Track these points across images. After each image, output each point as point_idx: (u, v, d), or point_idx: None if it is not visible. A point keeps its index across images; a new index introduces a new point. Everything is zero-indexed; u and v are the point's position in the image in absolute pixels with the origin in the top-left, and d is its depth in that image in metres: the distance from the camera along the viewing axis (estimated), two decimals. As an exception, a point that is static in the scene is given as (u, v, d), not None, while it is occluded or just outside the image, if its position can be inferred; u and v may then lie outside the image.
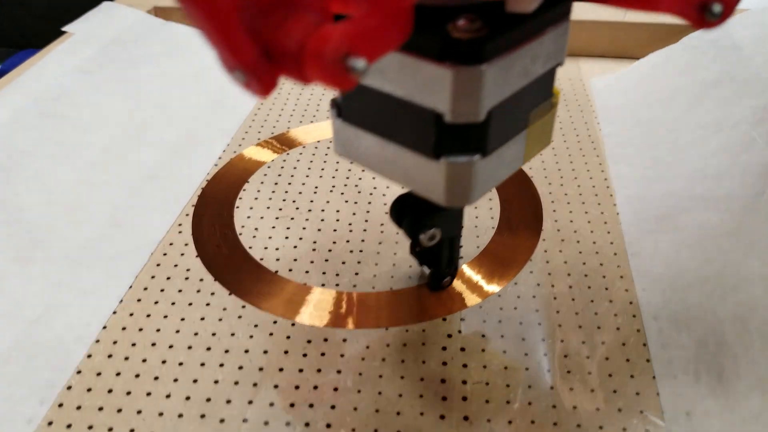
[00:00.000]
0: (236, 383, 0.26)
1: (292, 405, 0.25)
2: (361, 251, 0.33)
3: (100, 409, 0.25)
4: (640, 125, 0.42)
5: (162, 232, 0.34)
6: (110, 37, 0.49)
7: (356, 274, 0.31)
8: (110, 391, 0.26)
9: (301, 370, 0.26)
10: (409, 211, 0.25)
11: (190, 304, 0.30)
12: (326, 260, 0.32)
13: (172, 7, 0.57)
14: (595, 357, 0.27)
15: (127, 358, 0.27)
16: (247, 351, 0.27)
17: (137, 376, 0.26)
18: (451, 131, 0.19)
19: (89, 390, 0.26)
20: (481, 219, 0.35)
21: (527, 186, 0.37)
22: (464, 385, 0.26)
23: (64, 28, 0.50)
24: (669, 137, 0.40)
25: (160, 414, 0.25)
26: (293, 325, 0.29)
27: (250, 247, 0.33)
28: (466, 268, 0.31)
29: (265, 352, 0.27)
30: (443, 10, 0.18)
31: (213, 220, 0.35)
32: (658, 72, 0.48)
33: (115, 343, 0.28)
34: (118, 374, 0.26)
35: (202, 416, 0.25)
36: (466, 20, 0.17)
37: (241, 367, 0.27)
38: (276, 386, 0.26)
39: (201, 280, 0.31)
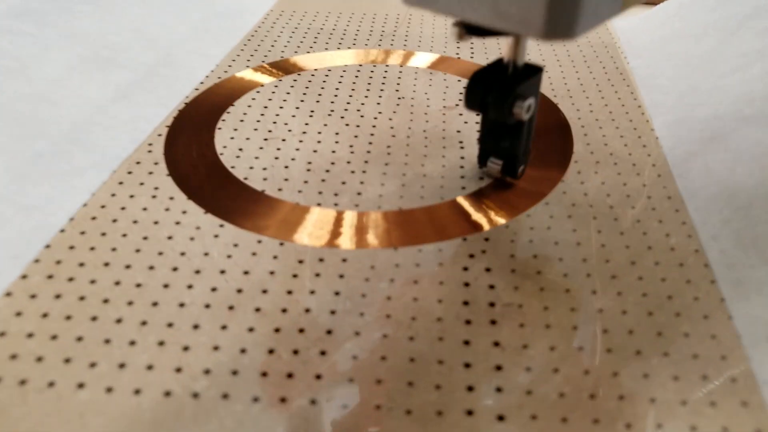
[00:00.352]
0: (207, 306, 0.21)
1: (277, 330, 0.20)
2: (364, 172, 0.28)
3: (30, 335, 0.20)
4: (670, 58, 0.38)
5: (128, 151, 0.29)
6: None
7: (359, 194, 0.26)
8: (45, 315, 0.21)
9: (290, 292, 0.21)
10: (496, 85, 0.22)
11: (156, 222, 0.25)
12: (323, 180, 0.27)
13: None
14: (648, 278, 0.22)
15: (71, 279, 0.22)
16: (223, 272, 0.22)
17: (82, 298, 0.21)
18: None
19: (18, 314, 0.21)
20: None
21: (553, 110, 0.33)
22: (492, 307, 0.21)
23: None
24: (705, 67, 0.36)
25: (107, 341, 0.20)
26: (282, 244, 0.24)
27: (232, 167, 0.28)
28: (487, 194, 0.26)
29: (246, 272, 0.22)
30: None
31: (189, 140, 0.30)
32: (685, 11, 0.43)
33: (58, 263, 0.23)
34: (57, 297, 0.21)
35: (161, 343, 0.20)
36: None
37: (214, 289, 0.22)
38: (258, 310, 0.21)
39: (171, 198, 0.26)
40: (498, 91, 0.22)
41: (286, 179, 0.27)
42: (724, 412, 0.18)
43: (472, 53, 0.39)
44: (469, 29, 0.20)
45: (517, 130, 0.24)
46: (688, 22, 0.42)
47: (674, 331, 0.20)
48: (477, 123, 0.32)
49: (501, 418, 0.17)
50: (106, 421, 0.17)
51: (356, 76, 0.36)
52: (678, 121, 0.31)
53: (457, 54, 0.39)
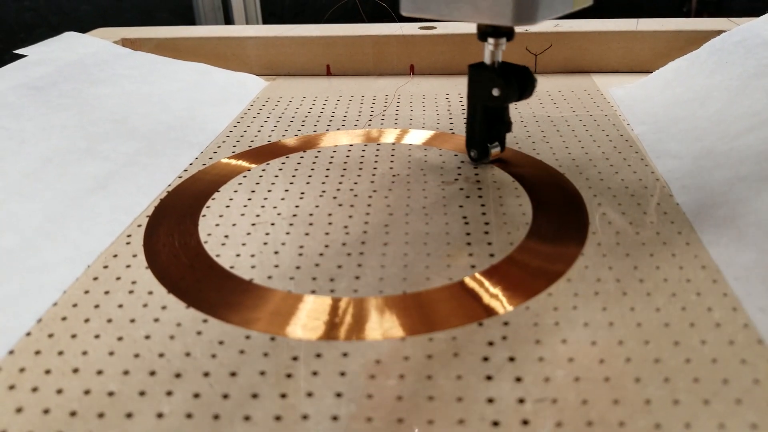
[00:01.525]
0: (189, 416, 0.18)
1: (270, 443, 0.17)
2: (362, 254, 0.25)
3: (-16, 460, 0.17)
4: (677, 122, 0.37)
5: (104, 244, 0.26)
6: (69, 59, 0.44)
7: (357, 278, 0.24)
8: (3, 434, 0.17)
9: (283, 396, 0.18)
10: (525, 75, 0.29)
11: (133, 320, 0.22)
12: (317, 264, 0.25)
13: (141, 38, 0.52)
14: (697, 359, 0.19)
15: (35, 390, 0.19)
16: (206, 374, 0.19)
17: (46, 411, 0.18)
18: None
19: (-28, 434, 0.17)
20: (509, 215, 0.28)
21: (562, 181, 0.31)
22: (521, 404, 0.18)
23: (17, 51, 0.44)
24: (716, 129, 0.34)
25: (73, 464, 0.16)
26: (272, 339, 0.21)
27: (217, 255, 0.26)
28: (491, 285, 0.24)
29: (233, 374, 0.19)
30: None
31: (171, 230, 0.28)
32: (684, 76, 0.43)
33: (22, 371, 0.20)
34: (19, 410, 0.18)
35: (136, 464, 0.16)
36: None
37: (197, 396, 0.18)
38: (247, 418, 0.18)
39: (150, 293, 0.23)
40: (531, 78, 0.29)
41: (276, 266, 0.25)
42: None
43: (469, 128, 0.38)
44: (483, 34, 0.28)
45: (507, 109, 0.31)
46: (689, 87, 0.41)
47: (739, 422, 0.17)
48: (480, 197, 0.29)
49: None
50: None
51: (347, 156, 0.34)
52: (697, 187, 0.29)
53: (451, 129, 0.38)
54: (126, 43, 0.51)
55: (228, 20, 0.77)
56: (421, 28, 0.50)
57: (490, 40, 0.28)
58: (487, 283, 0.23)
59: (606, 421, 0.17)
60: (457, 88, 0.46)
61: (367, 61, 0.50)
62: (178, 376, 0.19)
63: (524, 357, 0.19)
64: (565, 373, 0.19)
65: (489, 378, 0.19)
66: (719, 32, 0.45)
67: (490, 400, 0.18)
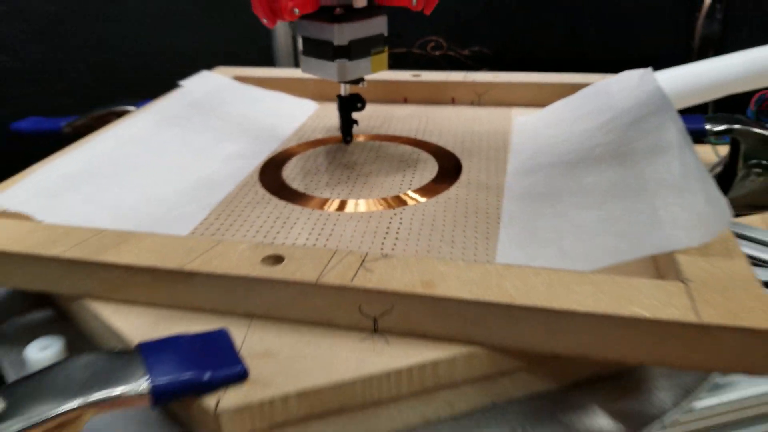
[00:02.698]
0: (283, 223, 0.51)
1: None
2: (353, 184, 0.58)
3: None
4: (535, 139, 0.68)
5: (238, 181, 0.60)
6: (205, 89, 0.78)
7: (350, 192, 0.57)
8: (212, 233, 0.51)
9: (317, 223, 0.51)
10: (355, 99, 0.62)
11: (258, 203, 0.55)
12: (333, 188, 0.58)
13: (248, 76, 0.85)
14: (469, 228, 0.51)
15: (221, 226, 0.52)
16: (288, 217, 0.52)
17: (235, 232, 0.51)
18: (337, 49, 0.54)
19: (212, 225, 0.51)
20: (425, 174, 0.60)
21: (455, 161, 0.63)
22: (397, 233, 0.50)
23: (179, 82, 0.78)
24: (548, 141, 0.65)
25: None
26: (312, 210, 0.54)
27: (290, 184, 0.59)
28: (411, 193, 0.56)
29: (294, 224, 0.52)
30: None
31: (270, 175, 0.61)
32: (558, 111, 0.73)
33: (217, 218, 0.53)
34: (218, 229, 0.51)
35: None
36: (340, 9, 0.52)
37: (284, 223, 0.52)
38: (292, 226, 0.51)
39: (263, 197, 0.57)
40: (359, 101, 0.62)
41: (316, 189, 0.58)
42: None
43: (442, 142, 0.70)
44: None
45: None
46: (555, 118, 0.71)
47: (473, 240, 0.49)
48: (413, 168, 0.62)
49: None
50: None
51: (356, 145, 0.67)
52: (519, 168, 0.61)
53: (415, 135, 0.70)
54: (238, 78, 0.85)
55: (296, 61, 1.12)
56: (413, 75, 0.82)
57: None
58: (402, 196, 0.55)
59: (435, 249, 0.49)
60: (427, 113, 0.78)
61: (378, 92, 0.82)
62: (277, 217, 0.52)
63: (406, 219, 0.52)
64: (418, 224, 0.51)
65: (389, 226, 0.51)
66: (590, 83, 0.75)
67: (387, 231, 0.50)
